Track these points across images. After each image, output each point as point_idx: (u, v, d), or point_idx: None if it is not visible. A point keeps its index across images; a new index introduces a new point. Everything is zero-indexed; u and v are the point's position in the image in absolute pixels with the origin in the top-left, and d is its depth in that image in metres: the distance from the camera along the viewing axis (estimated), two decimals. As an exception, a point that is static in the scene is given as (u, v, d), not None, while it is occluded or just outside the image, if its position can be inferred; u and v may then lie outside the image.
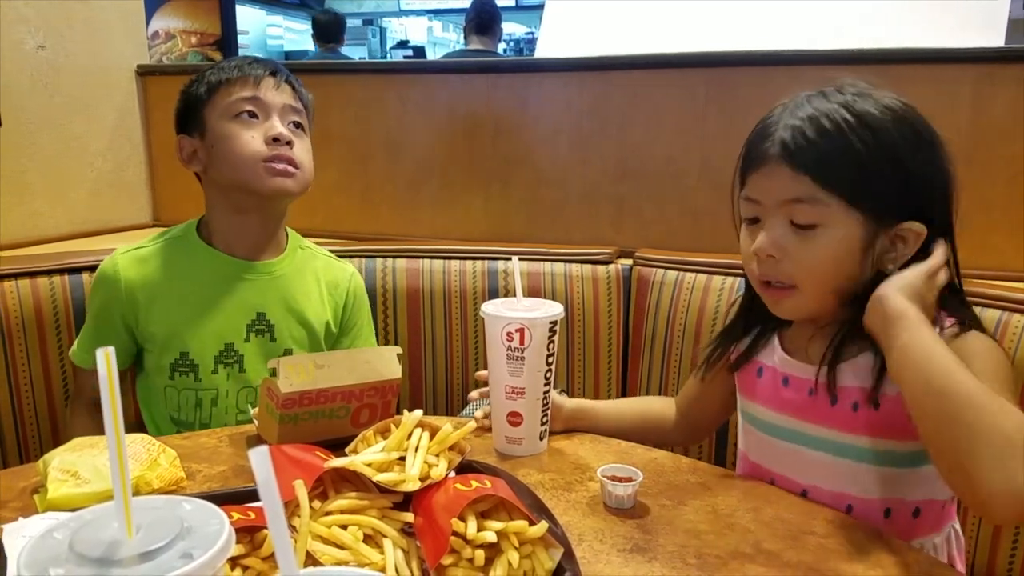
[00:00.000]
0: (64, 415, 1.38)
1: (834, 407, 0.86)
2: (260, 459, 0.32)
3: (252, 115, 1.15)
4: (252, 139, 1.13)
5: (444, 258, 1.59)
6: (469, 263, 1.58)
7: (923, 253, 0.81)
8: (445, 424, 0.77)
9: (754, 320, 0.97)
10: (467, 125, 1.83)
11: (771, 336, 0.96)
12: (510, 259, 1.05)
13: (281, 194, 1.17)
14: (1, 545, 0.64)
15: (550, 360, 0.94)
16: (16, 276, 1.34)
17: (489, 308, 0.95)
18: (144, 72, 2.04)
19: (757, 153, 0.82)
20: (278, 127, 1.14)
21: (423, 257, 1.60)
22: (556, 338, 0.94)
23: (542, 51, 2.17)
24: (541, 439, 0.96)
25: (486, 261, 1.58)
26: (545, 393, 0.95)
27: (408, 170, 1.89)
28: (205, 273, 1.18)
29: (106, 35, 1.94)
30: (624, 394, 1.55)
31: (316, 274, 1.26)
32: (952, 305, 0.83)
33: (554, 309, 0.94)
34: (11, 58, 1.71)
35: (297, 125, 1.18)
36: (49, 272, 1.38)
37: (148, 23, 2.15)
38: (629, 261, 1.55)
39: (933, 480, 0.83)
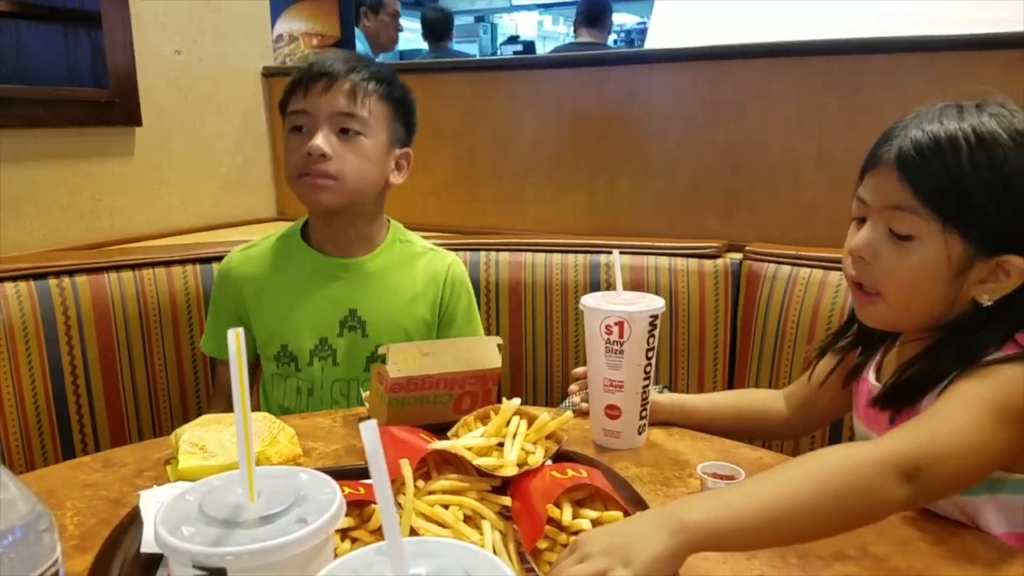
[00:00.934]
0: (192, 393, 1.50)
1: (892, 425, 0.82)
2: (370, 432, 0.35)
3: (302, 127, 1.17)
4: (294, 153, 1.16)
5: (546, 251, 1.60)
6: (571, 256, 1.59)
7: None
8: (543, 413, 0.79)
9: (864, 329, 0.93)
10: (574, 119, 1.83)
11: (877, 349, 0.93)
12: (611, 252, 1.04)
13: (317, 208, 1.20)
14: (138, 509, 0.71)
15: (650, 354, 0.93)
16: (153, 265, 1.46)
17: (588, 301, 0.95)
18: (269, 73, 2.16)
19: (876, 154, 0.81)
20: (314, 142, 1.14)
21: (526, 250, 1.62)
22: (657, 332, 0.93)
23: (653, 41, 2.14)
24: (640, 433, 0.96)
25: (588, 255, 1.58)
26: (644, 387, 0.94)
27: (514, 165, 1.92)
28: (300, 270, 1.24)
29: (234, 39, 2.07)
30: (730, 392, 1.51)
31: (415, 267, 1.28)
32: None
33: (655, 303, 0.93)
34: (151, 63, 1.86)
35: (348, 131, 1.16)
36: (183, 262, 1.49)
37: (272, 26, 2.27)
38: (738, 255, 1.51)
39: (1004, 511, 0.77)
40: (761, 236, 1.61)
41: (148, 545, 0.65)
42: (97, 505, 0.80)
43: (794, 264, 1.42)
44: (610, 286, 1.52)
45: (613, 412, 0.95)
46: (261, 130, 2.18)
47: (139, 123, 1.83)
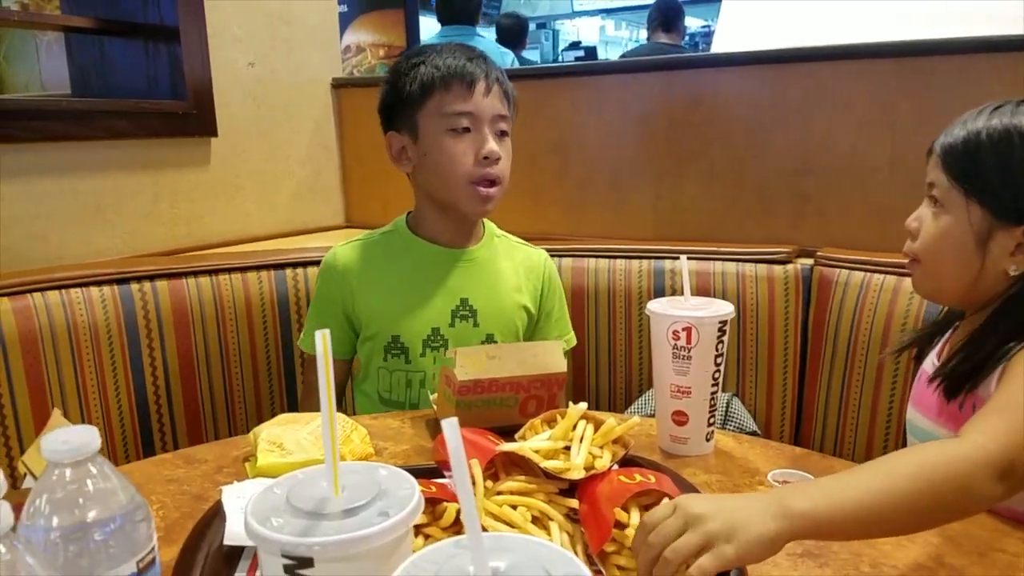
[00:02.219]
0: (267, 393, 1.55)
1: (949, 404, 0.86)
2: (451, 429, 0.36)
3: (465, 129, 1.16)
4: (464, 155, 1.16)
5: (610, 257, 1.60)
6: (635, 262, 1.58)
7: None
8: (609, 418, 0.79)
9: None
10: (639, 123, 1.83)
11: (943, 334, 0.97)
12: (677, 258, 1.03)
13: (481, 216, 1.25)
14: (220, 503, 0.74)
15: (719, 360, 0.92)
16: (230, 271, 1.52)
17: (655, 306, 0.94)
18: (338, 84, 2.22)
19: (931, 144, 0.91)
20: (489, 144, 1.16)
21: (589, 255, 1.61)
22: (726, 339, 0.92)
23: (719, 45, 2.12)
24: (707, 440, 0.95)
25: (652, 260, 1.57)
26: (712, 394, 0.93)
27: (578, 169, 1.92)
28: (412, 261, 1.25)
29: (305, 51, 2.14)
30: (800, 402, 1.48)
31: (513, 260, 1.30)
32: None
33: (724, 308, 0.92)
34: (226, 75, 1.93)
35: (503, 132, 1.20)
36: (258, 268, 1.55)
37: (340, 38, 2.33)
38: (809, 261, 1.48)
39: None
40: (831, 241, 1.57)
41: (231, 537, 0.68)
42: (180, 499, 0.84)
43: (867, 270, 1.39)
44: (675, 292, 1.50)
45: (680, 418, 0.94)
46: (330, 140, 2.24)
47: (215, 134, 1.91)
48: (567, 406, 0.80)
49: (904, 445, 1.26)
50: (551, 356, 0.98)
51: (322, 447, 0.44)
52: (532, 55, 8.13)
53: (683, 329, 0.91)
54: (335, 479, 0.43)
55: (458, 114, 1.16)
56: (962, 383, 0.85)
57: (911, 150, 1.50)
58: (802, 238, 1.61)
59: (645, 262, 1.57)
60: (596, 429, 0.79)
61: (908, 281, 1.29)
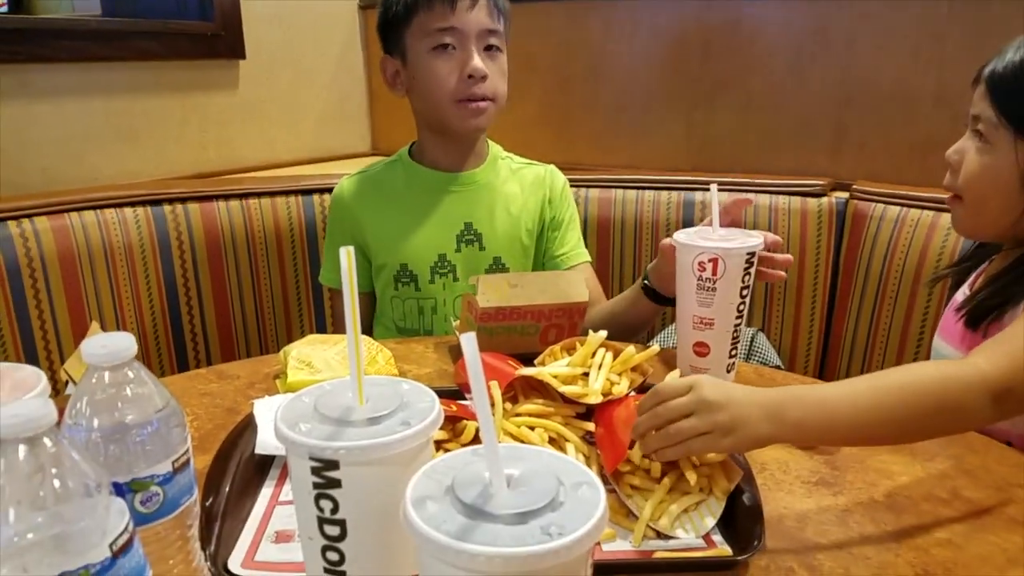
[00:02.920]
0: (296, 314, 1.58)
1: (973, 333, 0.87)
2: (469, 342, 0.37)
3: (447, 46, 1.14)
4: (448, 75, 1.14)
5: (637, 188, 1.58)
6: (664, 193, 1.55)
7: None
8: (629, 347, 0.80)
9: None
10: (674, 47, 1.77)
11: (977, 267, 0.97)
12: (708, 189, 1.01)
13: (473, 134, 1.21)
14: (252, 415, 0.78)
15: (744, 293, 0.90)
16: (259, 196, 1.54)
17: (681, 236, 0.92)
18: (365, 5, 2.17)
19: (978, 73, 0.87)
20: (473, 61, 1.13)
21: (616, 186, 1.59)
22: (753, 271, 0.90)
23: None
24: (728, 371, 0.95)
25: (682, 192, 1.54)
26: (736, 326, 0.92)
27: (608, 97, 1.88)
28: (414, 189, 1.25)
29: (334, -29, 2.09)
30: (827, 338, 1.47)
31: (519, 178, 1.29)
32: None
33: (752, 240, 0.90)
34: (254, -4, 1.91)
35: (492, 47, 1.17)
36: (286, 193, 1.56)
37: (370, -41, 2.27)
38: (845, 194, 1.45)
39: None
40: (870, 175, 1.53)
41: (262, 447, 0.71)
42: (214, 412, 0.87)
43: (904, 204, 1.36)
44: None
45: (702, 350, 0.93)
46: (357, 64, 2.21)
47: (243, 56, 1.89)
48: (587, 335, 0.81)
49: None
50: (573, 285, 0.98)
51: (348, 366, 0.45)
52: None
53: (709, 260, 0.88)
54: (360, 390, 0.45)
55: (440, 31, 1.13)
56: (986, 314, 0.85)
57: (959, 81, 1.43)
58: (840, 171, 1.57)
59: (675, 193, 1.55)
60: (615, 357, 0.80)
61: (945, 217, 1.28)
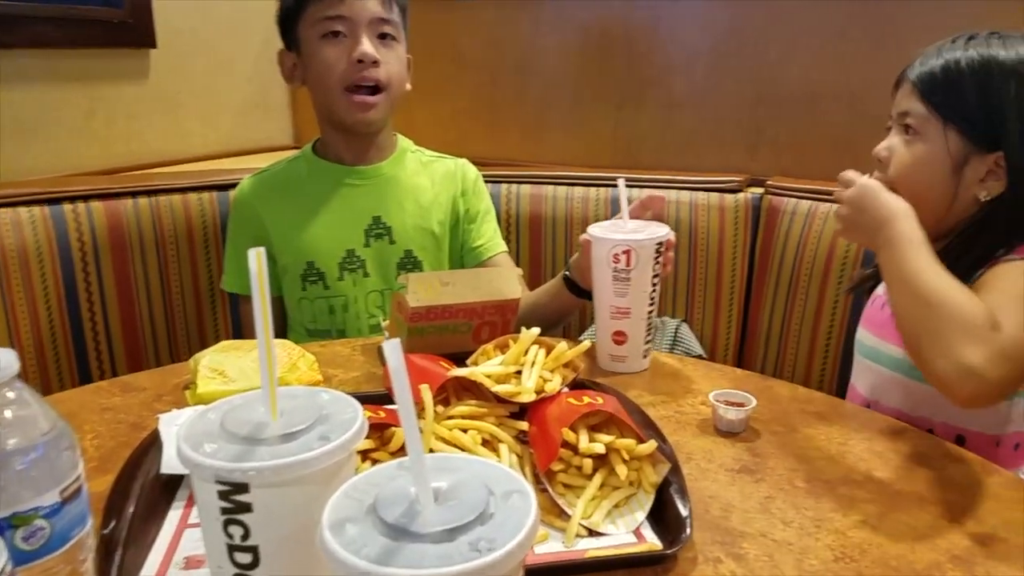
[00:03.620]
0: (210, 320, 1.50)
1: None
2: (393, 349, 0.34)
3: (338, 33, 1.13)
4: (337, 60, 1.13)
5: (568, 184, 1.58)
6: (593, 190, 1.56)
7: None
8: (561, 343, 0.79)
9: None
10: (600, 46, 1.78)
11: None
12: (636, 187, 1.03)
13: (362, 127, 1.18)
14: (157, 431, 0.72)
15: (655, 281, 0.95)
16: (170, 192, 1.45)
17: (596, 230, 0.96)
18: (285, -5, 2.09)
19: (900, 76, 0.93)
20: (362, 47, 1.12)
21: (547, 183, 1.59)
22: (662, 259, 0.95)
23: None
24: (644, 357, 0.98)
25: (610, 188, 1.55)
26: (650, 313, 0.96)
27: (537, 93, 1.87)
28: (318, 184, 1.22)
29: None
30: (744, 327, 1.51)
31: (429, 172, 1.27)
32: None
33: (660, 230, 0.95)
34: (166, -18, 1.81)
35: (387, 36, 1.16)
36: (199, 189, 1.48)
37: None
38: (760, 190, 1.49)
39: (981, 412, 0.87)
40: (785, 171, 1.57)
41: (168, 466, 0.66)
42: (117, 428, 0.81)
43: (814, 199, 1.40)
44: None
45: (620, 338, 0.97)
46: (279, 54, 2.12)
47: (153, 45, 1.79)
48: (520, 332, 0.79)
49: (844, 367, 1.30)
50: (505, 282, 0.97)
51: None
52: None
53: (623, 252, 0.93)
54: (272, 403, 0.41)
55: (330, 18, 1.13)
56: None
57: (863, 80, 1.50)
58: (757, 168, 1.61)
59: (603, 190, 1.55)
60: (548, 353, 0.78)
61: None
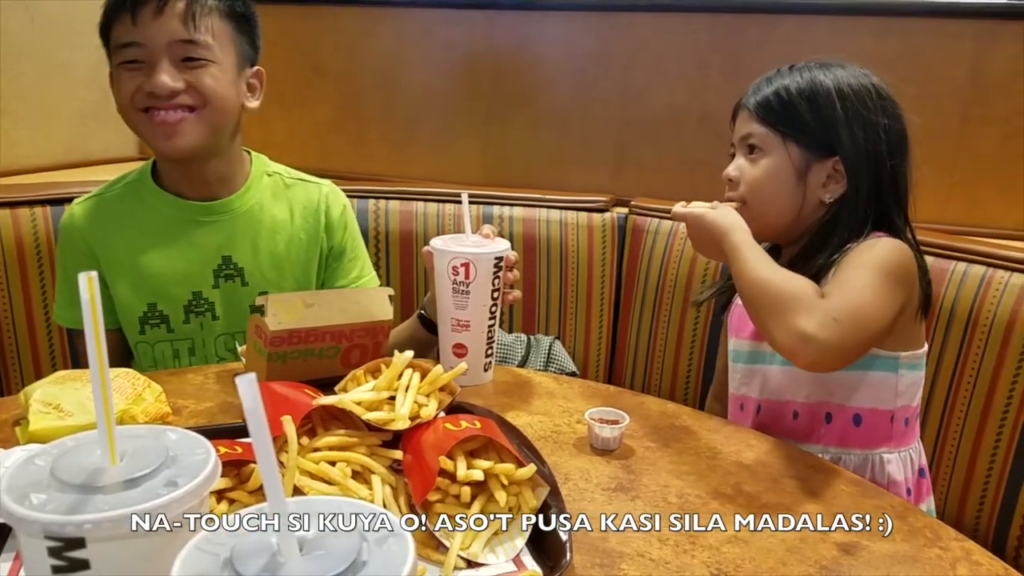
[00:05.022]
0: (45, 347, 1.36)
1: None
2: (247, 386, 0.31)
3: (136, 61, 1.01)
4: (135, 92, 1.02)
5: (438, 201, 1.57)
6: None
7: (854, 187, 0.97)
8: (436, 366, 0.77)
9: None
10: (466, 64, 1.78)
11: None
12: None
13: (175, 156, 1.06)
14: (-17, 474, 0.64)
15: (495, 295, 0.97)
16: (-4, 206, 1.31)
17: (437, 243, 0.97)
18: (129, -2, 1.95)
19: (737, 105, 1.04)
20: (155, 77, 1.00)
21: (417, 199, 1.57)
22: (502, 274, 0.97)
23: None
24: (485, 370, 1.00)
25: (480, 206, 1.55)
26: (490, 327, 0.98)
27: (404, 109, 1.85)
28: (160, 219, 1.10)
29: (90, -44, 1.86)
30: (613, 344, 1.55)
31: (289, 199, 1.16)
32: (894, 227, 0.98)
33: (500, 245, 0.97)
34: (-12, -22, 1.64)
35: (192, 59, 1.02)
36: (31, 203, 1.35)
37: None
38: (625, 210, 1.54)
39: (874, 388, 0.96)
40: (648, 191, 1.63)
41: (-8, 516, 0.58)
42: (-72, 473, 0.71)
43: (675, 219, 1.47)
44: (502, 237, 1.51)
45: (460, 351, 0.98)
46: (121, 60, 1.98)
47: (-27, 45, 1.62)
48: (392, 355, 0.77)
49: (707, 380, 1.37)
50: (376, 303, 0.93)
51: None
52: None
53: (462, 264, 0.95)
54: (111, 445, 0.37)
55: (122, 46, 1.02)
56: None
57: (721, 105, 1.58)
58: (622, 188, 1.67)
59: (473, 207, 1.55)
60: (423, 377, 0.76)
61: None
